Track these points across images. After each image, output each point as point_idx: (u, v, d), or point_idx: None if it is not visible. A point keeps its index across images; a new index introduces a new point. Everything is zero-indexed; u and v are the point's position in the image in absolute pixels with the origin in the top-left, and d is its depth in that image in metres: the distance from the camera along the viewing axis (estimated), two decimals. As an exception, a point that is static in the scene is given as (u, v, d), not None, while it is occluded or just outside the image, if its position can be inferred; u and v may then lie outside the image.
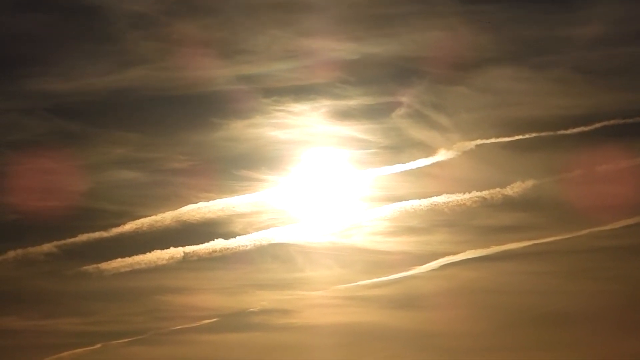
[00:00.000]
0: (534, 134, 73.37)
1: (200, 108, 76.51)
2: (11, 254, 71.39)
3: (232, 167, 75.26)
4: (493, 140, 73.86)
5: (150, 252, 72.19)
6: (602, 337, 70.06)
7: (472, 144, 73.98)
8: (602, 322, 70.82)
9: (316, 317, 73.92)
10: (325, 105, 75.83)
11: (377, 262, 74.72)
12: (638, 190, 71.55)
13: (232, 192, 73.92)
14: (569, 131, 73.26)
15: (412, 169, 74.20)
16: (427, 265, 73.97)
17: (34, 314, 72.21)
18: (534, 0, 77.09)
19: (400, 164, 74.21)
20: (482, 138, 73.95)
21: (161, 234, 72.86)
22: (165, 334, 72.57)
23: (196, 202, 73.36)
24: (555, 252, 73.54)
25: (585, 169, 72.51)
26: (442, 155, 73.90)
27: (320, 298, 74.10)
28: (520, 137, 73.41)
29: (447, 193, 73.07)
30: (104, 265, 72.03)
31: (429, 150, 74.42)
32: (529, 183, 72.90)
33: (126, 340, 71.79)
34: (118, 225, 72.76)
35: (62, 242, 72.06)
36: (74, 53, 76.46)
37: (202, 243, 72.53)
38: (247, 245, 72.99)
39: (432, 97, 75.95)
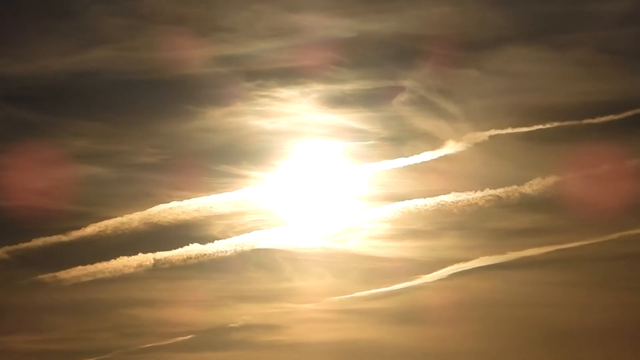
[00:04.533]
0: (555, 124, 72.84)
1: (173, 94, 76.02)
2: (-45, 260, 73.11)
3: (210, 162, 74.65)
4: (509, 130, 73.16)
5: (115, 258, 72.09)
6: (636, 358, 69.48)
7: (484, 135, 73.29)
8: (635, 339, 69.67)
9: (306, 333, 73.22)
10: (316, 90, 75.14)
11: (376, 270, 74.14)
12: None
13: (209, 190, 73.59)
14: (596, 120, 72.50)
15: (416, 164, 73.65)
16: (434, 274, 73.53)
17: (-18, 330, 73.70)
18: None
19: (403, 158, 73.66)
20: (496, 128, 73.38)
21: (128, 238, 72.70)
22: (132, 352, 72.23)
23: (168, 202, 73.23)
24: (581, 259, 72.86)
25: (614, 163, 71.15)
26: (451, 147, 73.24)
27: (310, 312, 73.71)
28: (539, 127, 72.82)
29: (456, 191, 72.28)
30: (63, 274, 71.80)
31: (436, 142, 73.96)
32: (550, 180, 71.92)
33: (89, 360, 73.82)
34: (78, 228, 72.57)
35: (15, 247, 71.86)
36: (28, 31, 75.63)
37: (175, 248, 72.44)
38: (226, 251, 72.41)
39: (439, 81, 75.29)
